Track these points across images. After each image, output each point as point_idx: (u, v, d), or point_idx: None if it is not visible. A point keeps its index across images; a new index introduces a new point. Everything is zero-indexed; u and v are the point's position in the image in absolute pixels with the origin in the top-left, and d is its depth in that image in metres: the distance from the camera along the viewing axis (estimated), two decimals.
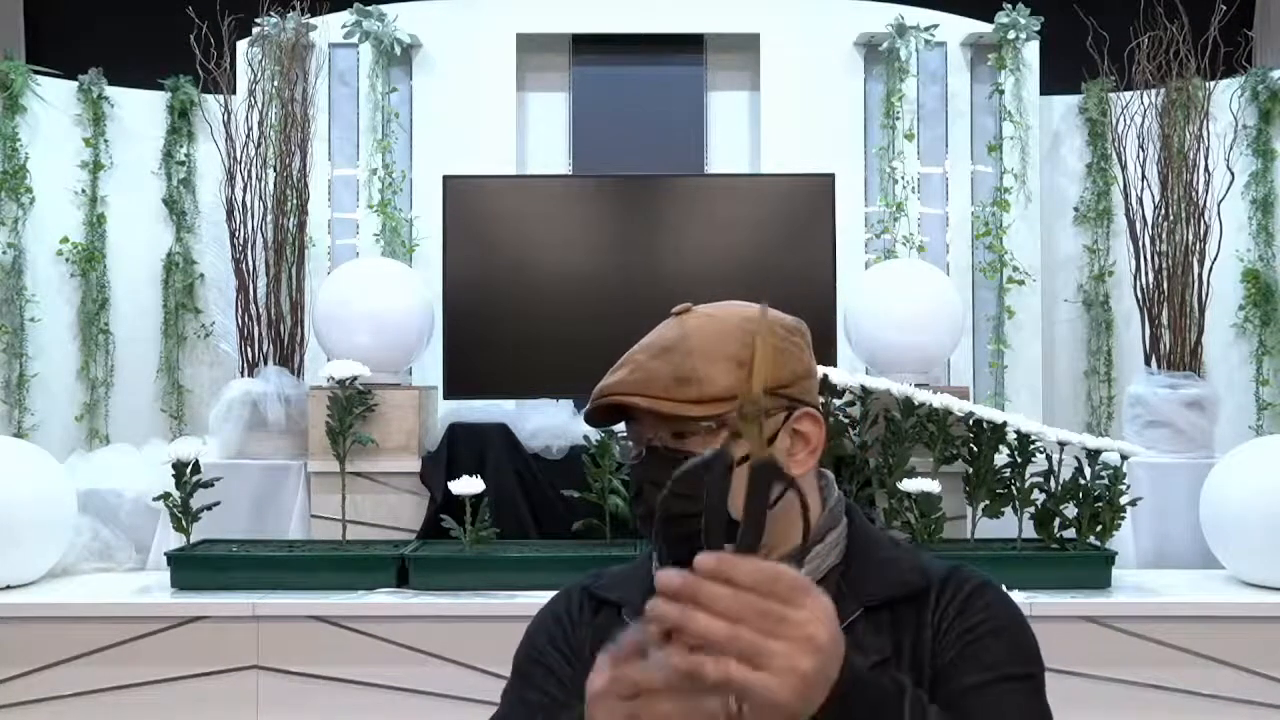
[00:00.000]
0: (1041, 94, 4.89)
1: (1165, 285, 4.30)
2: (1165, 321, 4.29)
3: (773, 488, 0.89)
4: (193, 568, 3.54)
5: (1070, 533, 3.65)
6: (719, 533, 0.88)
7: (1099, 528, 3.60)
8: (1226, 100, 4.65)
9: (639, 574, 1.30)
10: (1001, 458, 3.69)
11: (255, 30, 4.48)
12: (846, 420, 3.74)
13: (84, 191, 4.91)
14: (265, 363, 4.21)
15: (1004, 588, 1.26)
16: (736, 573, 0.83)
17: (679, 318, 1.24)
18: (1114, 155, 4.56)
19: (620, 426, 1.28)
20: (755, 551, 0.86)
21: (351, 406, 3.78)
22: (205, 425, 4.30)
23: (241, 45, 4.59)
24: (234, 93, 4.43)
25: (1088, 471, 3.61)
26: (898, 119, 4.80)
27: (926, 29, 4.80)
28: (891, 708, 0.95)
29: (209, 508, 3.61)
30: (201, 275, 4.94)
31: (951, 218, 4.89)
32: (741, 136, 4.97)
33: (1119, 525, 3.64)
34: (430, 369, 4.49)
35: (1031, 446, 3.65)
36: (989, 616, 1.18)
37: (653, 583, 1.25)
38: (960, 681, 1.14)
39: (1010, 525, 3.71)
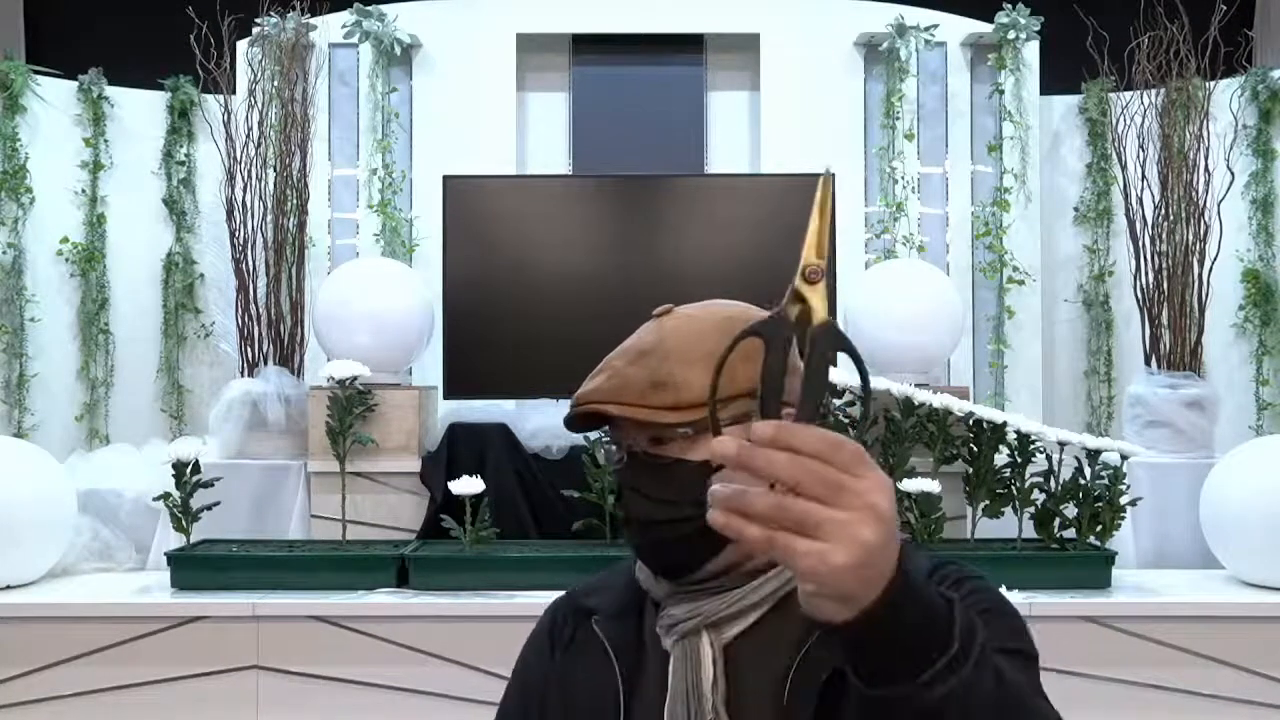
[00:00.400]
0: (1041, 94, 4.89)
1: (1165, 285, 4.30)
2: (1165, 321, 4.29)
3: (833, 355, 0.84)
4: (193, 568, 3.54)
5: (1070, 533, 3.65)
6: (775, 401, 0.84)
7: (1099, 528, 3.60)
8: (1226, 100, 4.64)
9: (618, 581, 1.30)
10: (1001, 458, 3.68)
11: (255, 30, 4.48)
12: (846, 420, 3.74)
13: (84, 191, 4.91)
14: (265, 363, 4.21)
15: (1004, 590, 1.23)
16: (796, 439, 0.78)
17: (658, 320, 1.23)
18: (1114, 155, 4.56)
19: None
20: (815, 420, 0.82)
21: (351, 406, 3.78)
22: (205, 425, 4.30)
23: (241, 45, 4.59)
24: (234, 93, 4.43)
25: (1088, 471, 3.61)
26: (898, 119, 4.80)
27: (926, 29, 4.80)
28: (942, 612, 0.87)
29: (209, 508, 3.61)
30: (201, 275, 4.94)
31: (951, 218, 4.89)
32: (741, 136, 4.97)
33: (1119, 525, 3.64)
34: (430, 369, 4.49)
35: (1031, 446, 3.65)
36: (977, 600, 1.14)
37: (628, 589, 1.26)
38: None
39: (1010, 525, 3.71)
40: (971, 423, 3.68)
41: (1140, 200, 4.35)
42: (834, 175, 0.89)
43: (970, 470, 3.68)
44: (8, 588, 3.55)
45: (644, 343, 1.21)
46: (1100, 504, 3.58)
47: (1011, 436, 3.68)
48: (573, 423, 1.25)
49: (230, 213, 4.28)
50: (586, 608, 1.29)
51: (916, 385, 3.75)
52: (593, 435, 3.68)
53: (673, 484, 1.17)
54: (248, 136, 4.29)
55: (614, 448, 1.25)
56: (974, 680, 0.85)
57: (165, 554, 3.63)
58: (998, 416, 3.68)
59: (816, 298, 0.85)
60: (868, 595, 0.80)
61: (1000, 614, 1.14)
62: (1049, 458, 3.65)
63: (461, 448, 3.98)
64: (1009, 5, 4.80)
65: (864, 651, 0.83)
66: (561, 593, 1.36)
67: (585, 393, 1.21)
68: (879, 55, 4.88)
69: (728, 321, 1.20)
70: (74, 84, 4.91)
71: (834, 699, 1.07)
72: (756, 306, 1.24)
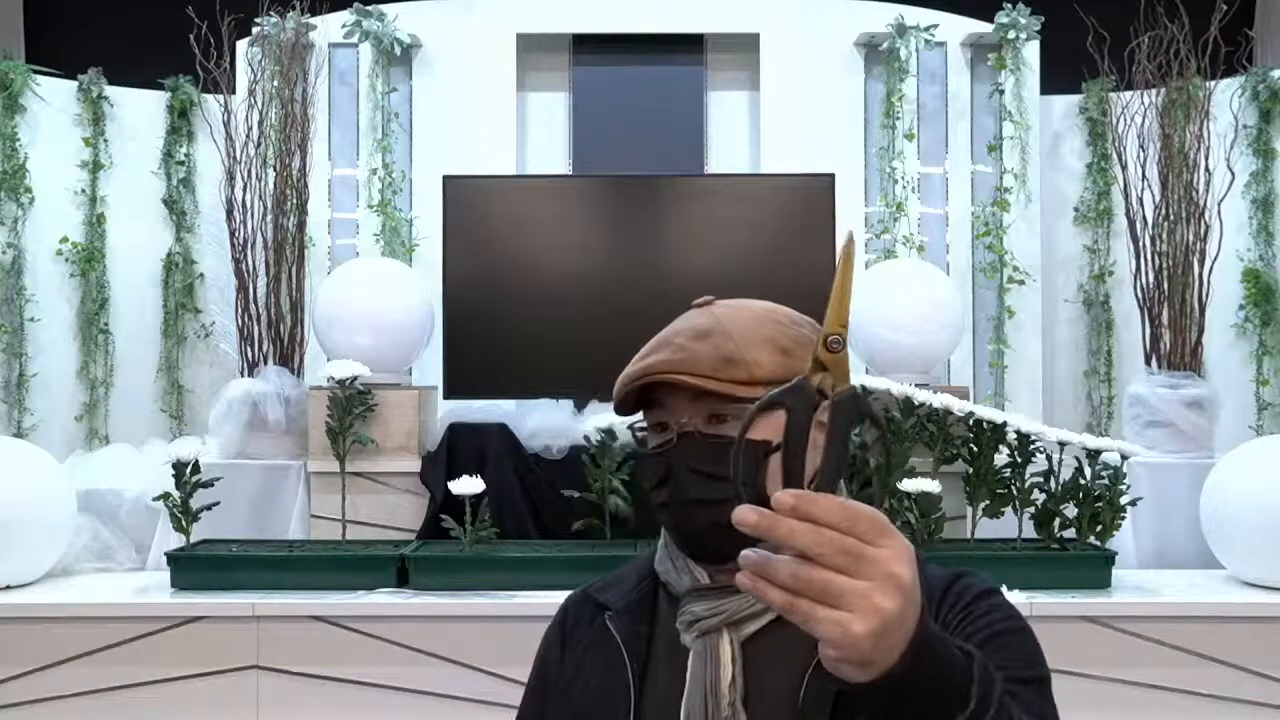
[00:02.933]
0: (1041, 94, 4.89)
1: (1165, 285, 4.30)
2: (1165, 321, 4.29)
3: (854, 424, 0.86)
4: (193, 568, 3.55)
5: (1070, 533, 3.65)
6: (799, 465, 0.85)
7: (1099, 528, 3.60)
8: (1226, 100, 4.64)
9: (631, 577, 1.30)
10: (1001, 458, 3.69)
11: (255, 30, 4.48)
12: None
13: (84, 191, 4.90)
14: (265, 363, 4.20)
15: (1005, 591, 1.23)
16: (816, 509, 0.80)
17: (705, 308, 1.23)
18: (1114, 155, 4.56)
19: (617, 421, 1.27)
20: (835, 489, 0.84)
21: (351, 406, 3.78)
22: (205, 425, 4.29)
23: (241, 45, 4.59)
24: (234, 93, 4.43)
25: (1088, 471, 3.61)
26: (898, 119, 4.80)
27: (926, 29, 4.80)
28: (960, 669, 0.90)
29: (209, 508, 3.61)
30: (201, 275, 4.94)
31: (951, 218, 4.89)
32: (741, 136, 4.97)
33: (1119, 525, 3.64)
34: (430, 369, 4.49)
35: (1031, 446, 3.65)
36: (991, 622, 1.16)
37: (641, 585, 1.27)
38: None
39: (1010, 525, 3.71)
40: (971, 423, 3.68)
41: (1140, 200, 4.35)
42: (853, 241, 0.89)
43: (970, 470, 3.69)
44: (8, 588, 3.55)
45: (700, 325, 1.20)
46: (1100, 504, 3.58)
47: (1011, 436, 3.68)
48: (624, 402, 1.23)
49: (230, 213, 4.28)
50: (599, 603, 1.29)
51: (916, 385, 3.75)
52: (594, 436, 3.69)
53: (729, 463, 1.17)
54: (247, 136, 4.29)
55: (645, 432, 1.23)
56: None
57: (165, 554, 3.63)
58: (998, 416, 3.68)
59: (838, 366, 0.87)
60: (888, 660, 0.83)
61: (1016, 634, 1.16)
62: (1049, 458, 3.65)
63: (461, 448, 3.97)
64: (1009, 5, 4.80)
65: (886, 711, 0.86)
66: (577, 588, 1.37)
67: (655, 364, 1.19)
68: (879, 55, 4.88)
69: (771, 312, 1.21)
70: (74, 84, 4.91)
71: (849, 701, 1.08)
72: (774, 304, 1.25)
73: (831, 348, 0.87)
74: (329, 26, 4.68)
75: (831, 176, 4.44)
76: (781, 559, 0.80)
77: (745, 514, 0.80)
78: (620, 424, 3.64)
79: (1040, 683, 1.15)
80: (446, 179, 4.42)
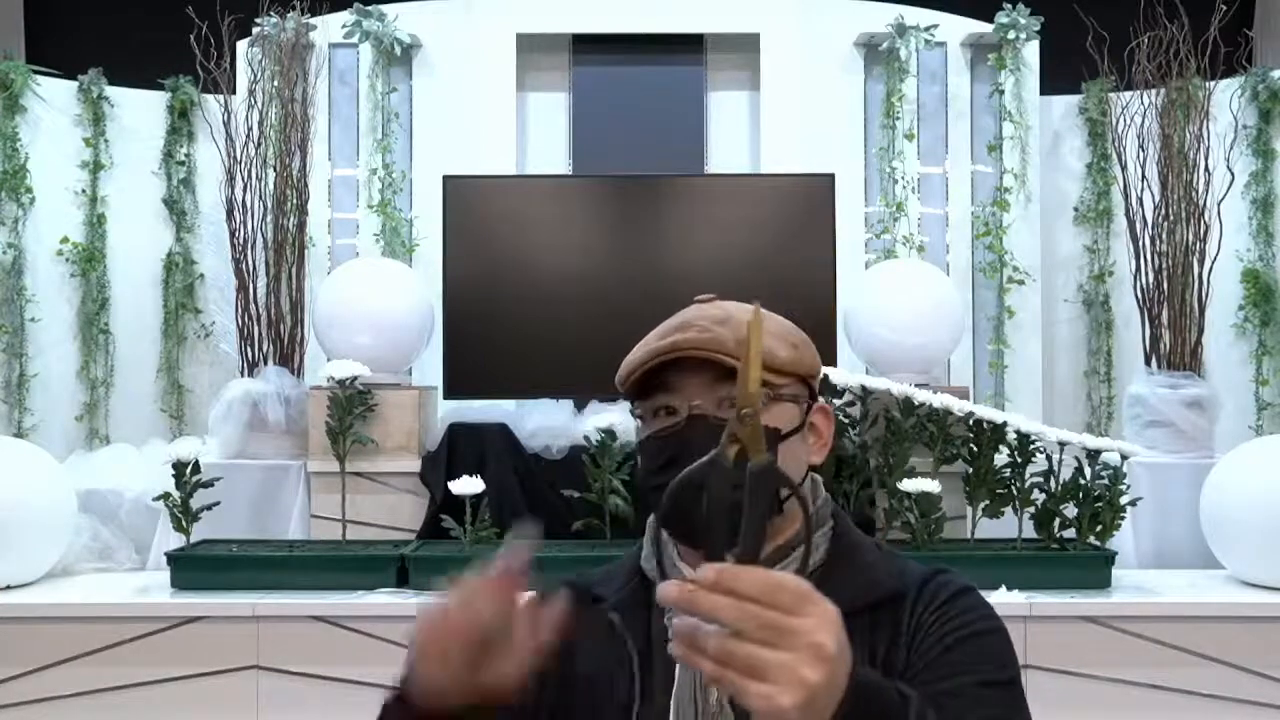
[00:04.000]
0: (1041, 94, 4.89)
1: (1165, 285, 4.30)
2: (1165, 321, 4.29)
3: (774, 493, 0.88)
4: (193, 568, 3.55)
5: (1070, 533, 3.66)
6: (721, 541, 0.86)
7: (1099, 528, 3.60)
8: (1226, 100, 4.64)
9: (620, 575, 1.30)
10: (1001, 458, 3.69)
11: (255, 30, 4.48)
12: (846, 420, 3.74)
13: (84, 191, 4.90)
14: (265, 363, 4.21)
15: (979, 591, 1.24)
16: (738, 584, 0.81)
17: (714, 301, 1.24)
18: (1114, 155, 4.56)
19: (613, 422, 1.27)
20: (758, 560, 0.85)
21: (351, 406, 3.78)
22: (205, 425, 4.30)
23: (241, 45, 4.59)
24: (234, 93, 4.43)
25: (1088, 471, 3.61)
26: (898, 119, 4.80)
27: (926, 29, 4.80)
28: (896, 717, 0.94)
29: (209, 508, 3.61)
30: (201, 275, 4.94)
31: (951, 218, 4.89)
32: (741, 136, 4.97)
33: (1119, 525, 3.64)
34: (430, 369, 4.49)
35: (1031, 446, 3.65)
36: (965, 622, 1.17)
37: (633, 582, 1.26)
38: (939, 686, 1.12)
39: (1010, 525, 3.71)
40: (971, 423, 3.68)
41: (1140, 200, 4.35)
42: (759, 312, 0.91)
43: (970, 470, 3.69)
44: (8, 588, 3.55)
45: (713, 314, 1.21)
46: (1100, 504, 3.59)
47: (1011, 436, 3.68)
48: (640, 382, 1.22)
49: (230, 213, 4.28)
50: (595, 595, 1.29)
51: (916, 385, 3.75)
52: (594, 436, 3.69)
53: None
54: (248, 136, 4.29)
55: (643, 417, 1.23)
56: None
57: (165, 554, 3.63)
58: (998, 416, 3.68)
59: (752, 437, 0.88)
60: None
61: (990, 635, 1.18)
62: (1049, 458, 3.65)
63: (461, 448, 3.97)
64: (1009, 5, 4.80)
65: None
66: (564, 578, 1.35)
67: (680, 341, 1.19)
68: (879, 55, 4.88)
69: (771, 314, 1.22)
70: (74, 84, 4.90)
71: None
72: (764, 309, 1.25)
73: (744, 420, 0.88)
74: (329, 26, 4.68)
75: (831, 176, 4.44)
76: (710, 630, 0.81)
77: (667, 590, 0.82)
78: (618, 423, 3.65)
79: (1010, 684, 1.16)
80: (446, 179, 4.42)
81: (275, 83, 4.34)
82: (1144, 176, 4.35)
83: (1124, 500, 3.63)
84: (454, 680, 1.04)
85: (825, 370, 3.64)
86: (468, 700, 1.04)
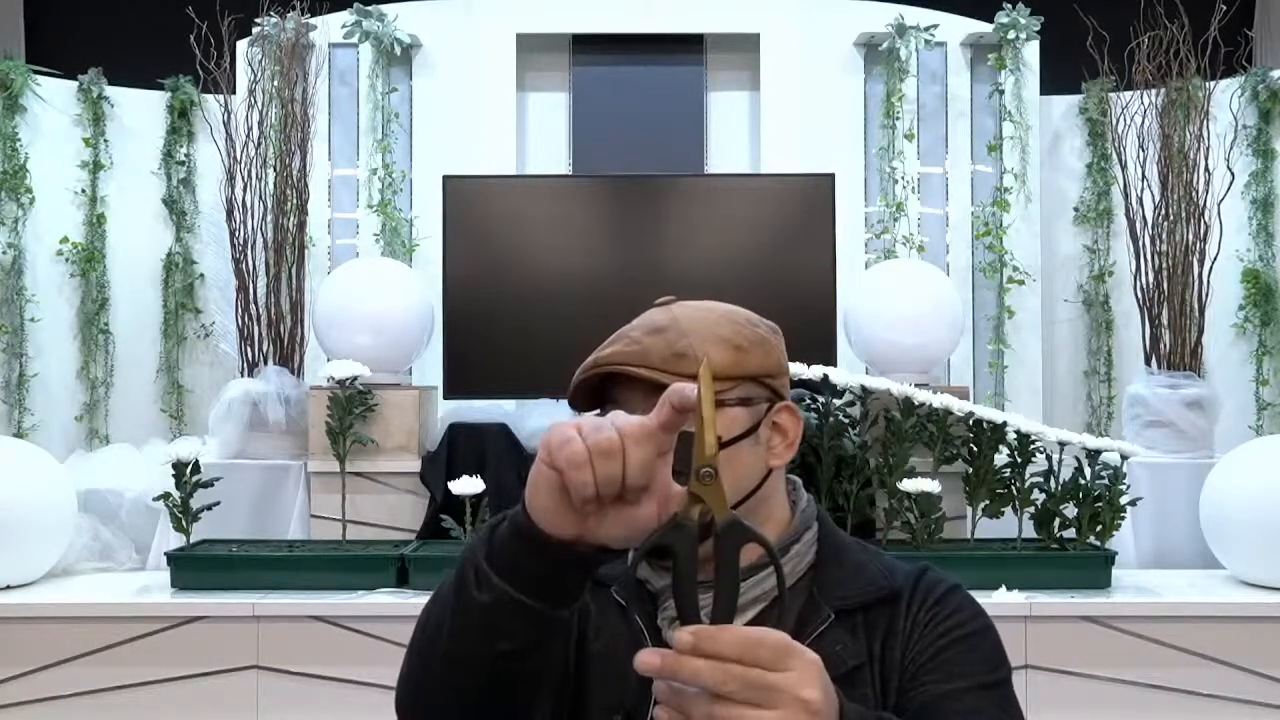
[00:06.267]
0: (1041, 94, 4.89)
1: (1165, 285, 4.30)
2: (1165, 321, 4.29)
3: (741, 548, 0.86)
4: (193, 568, 3.55)
5: (1070, 533, 3.66)
6: (693, 603, 0.85)
7: (1099, 528, 3.60)
8: (1226, 100, 4.64)
9: (618, 570, 1.30)
10: (1001, 458, 3.69)
11: (255, 30, 4.48)
12: (846, 420, 3.74)
13: (84, 191, 4.90)
14: (265, 363, 4.21)
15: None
16: (716, 645, 0.81)
17: (664, 306, 1.24)
18: (1114, 155, 4.56)
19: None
20: (732, 618, 0.84)
21: (351, 406, 3.78)
22: (205, 425, 4.30)
23: (241, 45, 4.59)
24: (234, 93, 4.43)
25: (1088, 471, 3.62)
26: (898, 119, 4.80)
27: (926, 29, 4.80)
28: None
29: (209, 508, 3.61)
30: (201, 275, 4.94)
31: (951, 218, 4.89)
32: (741, 136, 4.97)
33: (1119, 525, 3.64)
34: (430, 369, 4.49)
35: (1031, 446, 3.65)
36: (959, 622, 1.18)
37: (626, 574, 1.26)
38: (935, 689, 1.14)
39: (1010, 525, 3.71)
40: (971, 423, 3.69)
41: (1140, 200, 4.35)
42: (709, 369, 0.89)
43: (970, 470, 3.69)
44: (8, 588, 3.55)
45: (656, 321, 1.21)
46: (1100, 504, 3.59)
47: (1011, 436, 3.68)
48: (578, 395, 1.22)
49: (230, 213, 4.28)
50: (599, 580, 1.28)
51: (916, 385, 3.75)
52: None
53: (681, 457, 1.17)
54: (248, 136, 4.29)
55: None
56: None
57: (165, 554, 3.63)
58: (998, 416, 3.68)
59: (714, 497, 0.86)
60: None
61: (982, 635, 1.19)
62: (1049, 458, 3.65)
63: (461, 448, 3.98)
64: (1009, 5, 4.80)
65: None
66: None
67: (604, 356, 1.19)
68: (879, 55, 4.88)
69: (730, 313, 1.22)
70: (74, 84, 4.90)
71: None
72: (753, 311, 1.25)
73: (704, 479, 0.86)
74: (329, 26, 4.68)
75: (831, 176, 4.44)
76: (693, 694, 0.81)
77: (647, 658, 0.81)
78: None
79: (1002, 684, 1.17)
80: (446, 179, 4.42)
81: (275, 83, 4.34)
82: (1144, 176, 4.35)
83: (1124, 500, 3.63)
84: (558, 515, 0.94)
85: (825, 370, 3.64)
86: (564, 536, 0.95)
